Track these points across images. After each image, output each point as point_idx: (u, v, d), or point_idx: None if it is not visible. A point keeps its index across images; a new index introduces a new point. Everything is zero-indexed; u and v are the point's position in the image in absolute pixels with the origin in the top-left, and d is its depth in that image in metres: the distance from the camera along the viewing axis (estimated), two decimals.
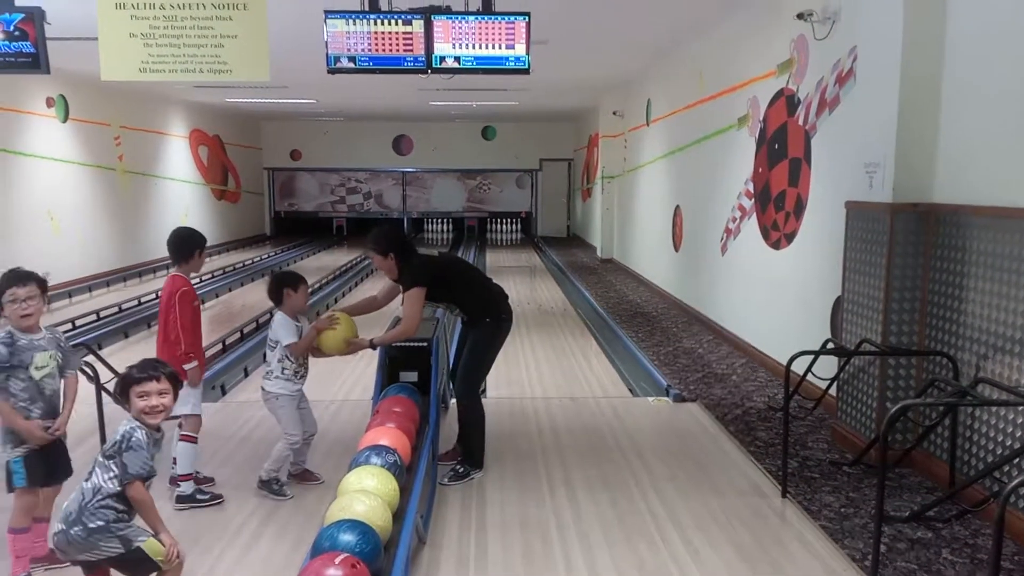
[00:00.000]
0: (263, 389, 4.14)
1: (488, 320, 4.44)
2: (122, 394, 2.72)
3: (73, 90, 12.07)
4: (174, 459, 4.10)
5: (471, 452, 4.44)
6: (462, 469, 4.37)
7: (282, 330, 4.06)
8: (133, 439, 2.64)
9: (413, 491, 3.53)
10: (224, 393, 6.08)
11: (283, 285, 4.15)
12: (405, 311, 4.25)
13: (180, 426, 4.06)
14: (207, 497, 4.07)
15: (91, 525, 2.59)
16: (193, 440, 4.07)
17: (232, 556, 3.52)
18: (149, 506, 2.68)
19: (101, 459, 2.65)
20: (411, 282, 4.24)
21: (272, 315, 4.19)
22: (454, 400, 5.45)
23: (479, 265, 14.92)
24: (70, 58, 8.62)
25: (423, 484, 3.72)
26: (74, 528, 2.59)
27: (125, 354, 7.03)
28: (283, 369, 4.07)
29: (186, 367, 3.99)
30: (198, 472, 4.16)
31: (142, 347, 7.68)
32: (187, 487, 4.03)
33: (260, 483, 4.11)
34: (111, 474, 2.63)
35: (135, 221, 14.36)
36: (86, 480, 2.64)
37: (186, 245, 4.16)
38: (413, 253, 4.38)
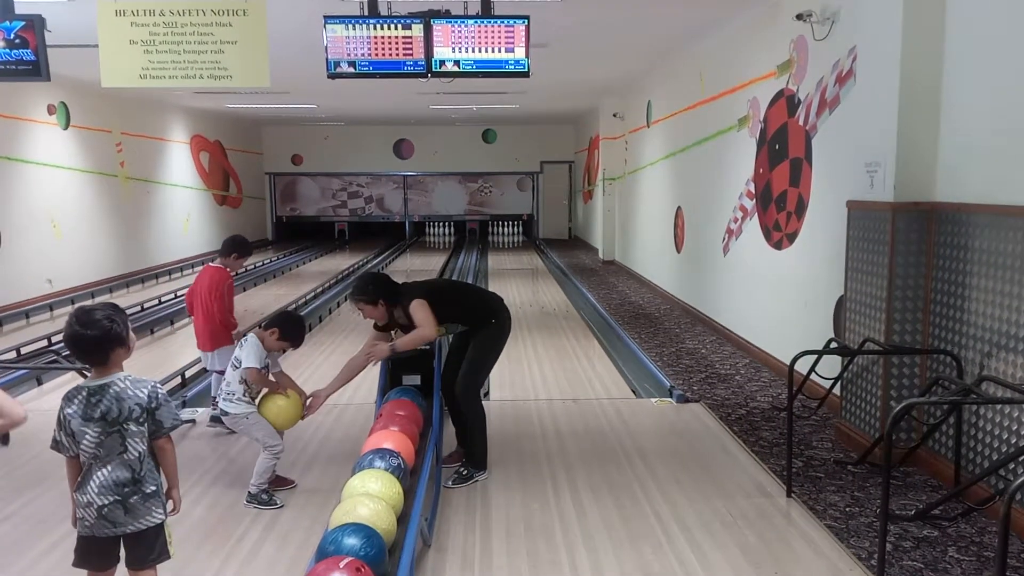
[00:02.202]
0: (226, 412, 4.10)
1: (493, 321, 4.44)
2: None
3: (74, 97, 12.10)
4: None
5: (474, 454, 4.43)
6: (465, 471, 4.36)
7: (252, 354, 4.05)
8: (160, 395, 2.67)
9: (417, 494, 3.52)
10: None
11: (284, 327, 4.18)
12: (418, 320, 4.16)
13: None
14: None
15: (147, 490, 2.64)
16: None
17: (237, 560, 3.52)
18: (174, 456, 2.75)
19: (133, 428, 2.60)
20: (411, 298, 4.19)
21: (248, 337, 4.15)
22: None
23: (481, 268, 14.93)
24: (71, 65, 8.66)
25: (427, 487, 3.72)
26: (133, 497, 2.61)
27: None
28: (245, 391, 4.06)
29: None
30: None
31: (143, 352, 7.69)
32: (218, 411, 4.68)
33: (249, 497, 4.05)
34: (144, 437, 2.64)
35: (137, 227, 14.38)
36: (121, 454, 2.60)
37: (230, 245, 5.36)
38: (399, 290, 4.32)
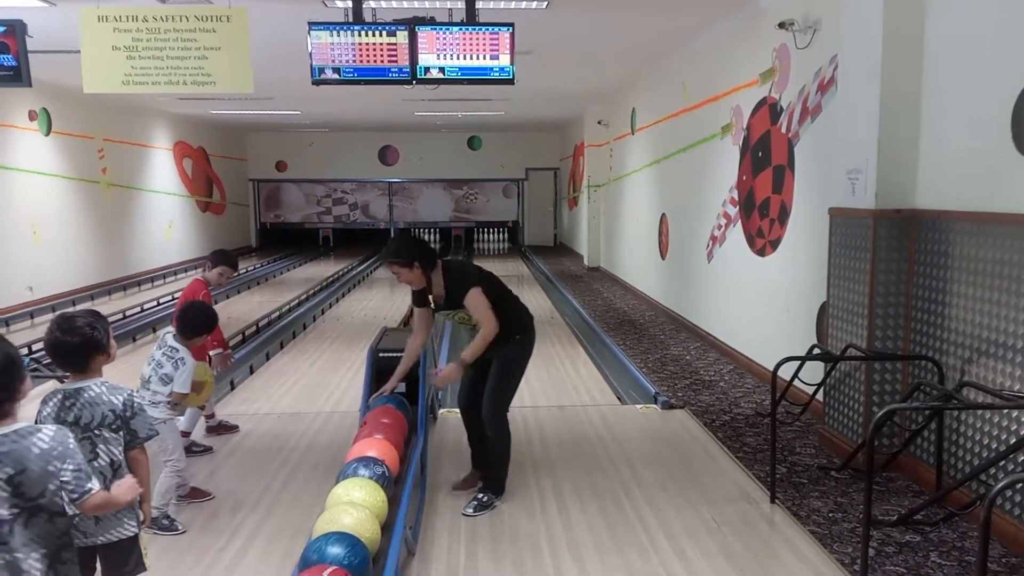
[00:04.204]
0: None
1: (519, 337, 4.16)
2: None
3: (56, 103, 12.00)
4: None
5: (496, 480, 4.16)
6: (486, 498, 4.08)
7: (188, 380, 3.97)
8: (136, 404, 2.62)
9: (402, 502, 3.51)
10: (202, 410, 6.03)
11: (206, 330, 4.24)
12: (478, 315, 3.99)
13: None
14: (201, 448, 4.91)
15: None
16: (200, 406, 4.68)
17: (219, 570, 3.48)
18: (148, 468, 2.68)
19: (107, 435, 2.56)
20: (467, 286, 4.00)
21: (179, 351, 4.00)
22: (443, 411, 5.46)
23: None
24: (52, 71, 8.58)
25: (412, 495, 3.70)
26: None
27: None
28: (169, 402, 3.98)
29: (211, 353, 4.91)
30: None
31: (125, 360, 7.63)
32: (184, 441, 4.66)
33: (152, 523, 3.67)
34: (120, 445, 2.59)
35: (119, 234, 14.27)
36: (92, 461, 2.53)
37: (216, 258, 5.25)
38: (437, 258, 4.14)
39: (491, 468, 4.19)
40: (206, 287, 5.08)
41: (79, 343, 2.56)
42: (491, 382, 4.12)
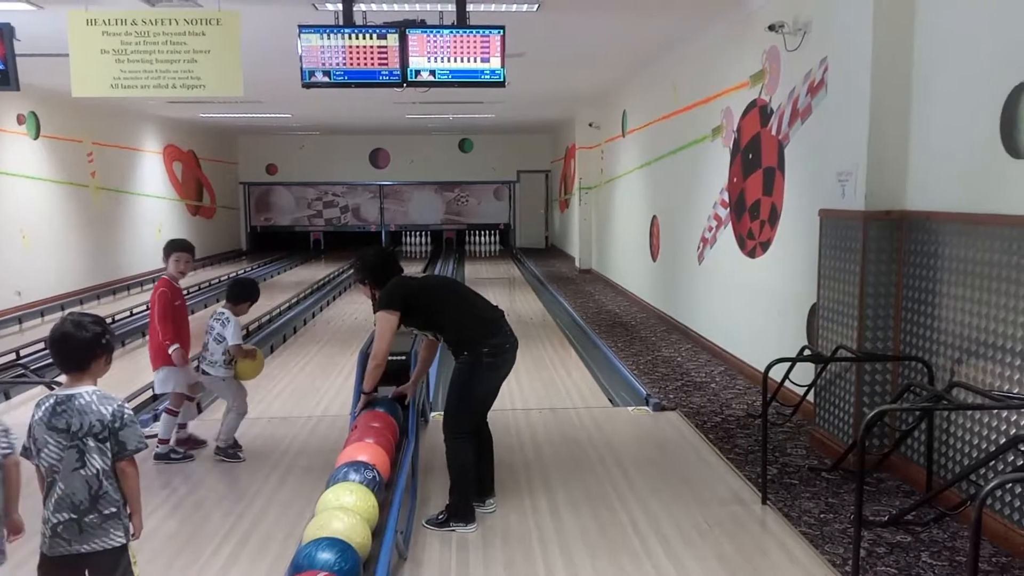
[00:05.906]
0: (207, 374, 4.84)
1: (465, 354, 3.91)
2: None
3: (44, 107, 11.93)
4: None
5: (452, 503, 3.91)
6: (442, 516, 3.90)
7: (237, 332, 4.81)
8: (126, 416, 2.59)
9: (392, 507, 3.50)
10: (200, 410, 5.99)
11: (250, 298, 4.96)
12: (375, 338, 4.03)
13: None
14: (180, 455, 4.89)
15: (105, 511, 2.56)
16: (175, 413, 4.91)
17: (210, 575, 3.47)
18: (137, 480, 2.65)
19: (91, 443, 2.54)
20: (381, 305, 3.95)
21: (224, 313, 4.84)
22: (434, 414, 5.44)
23: (458, 277, 14.72)
24: (41, 74, 8.54)
25: (403, 500, 3.69)
26: (89, 516, 2.53)
27: None
28: (226, 361, 4.81)
29: (169, 350, 4.80)
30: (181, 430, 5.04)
31: (114, 364, 7.57)
32: (163, 448, 4.85)
33: (217, 450, 4.86)
34: (108, 456, 2.56)
35: (108, 238, 14.20)
36: (78, 469, 2.53)
37: (164, 249, 5.01)
38: (389, 278, 4.08)
39: (451, 490, 3.96)
40: (167, 284, 4.84)
41: (89, 339, 2.57)
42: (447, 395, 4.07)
